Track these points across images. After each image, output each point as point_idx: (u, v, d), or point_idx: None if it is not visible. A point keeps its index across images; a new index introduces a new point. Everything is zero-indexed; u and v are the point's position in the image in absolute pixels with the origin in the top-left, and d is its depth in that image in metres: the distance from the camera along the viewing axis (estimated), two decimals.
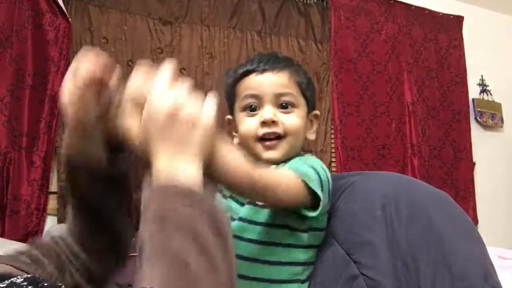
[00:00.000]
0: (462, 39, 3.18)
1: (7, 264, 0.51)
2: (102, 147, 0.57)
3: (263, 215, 0.69)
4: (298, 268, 0.69)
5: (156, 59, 2.30)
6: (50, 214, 2.02)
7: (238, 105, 0.75)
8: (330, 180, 0.69)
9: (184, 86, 0.52)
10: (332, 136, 2.69)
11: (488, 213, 3.07)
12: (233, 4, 2.53)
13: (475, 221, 2.97)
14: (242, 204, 0.71)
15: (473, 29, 3.23)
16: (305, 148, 2.57)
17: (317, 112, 0.81)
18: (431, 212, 0.67)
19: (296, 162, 0.70)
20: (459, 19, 3.19)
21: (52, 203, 2.03)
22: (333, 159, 2.69)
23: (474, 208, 3.03)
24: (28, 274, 0.50)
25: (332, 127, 2.69)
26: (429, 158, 2.91)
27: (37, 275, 0.53)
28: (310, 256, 0.71)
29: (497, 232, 2.92)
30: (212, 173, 0.53)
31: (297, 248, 0.69)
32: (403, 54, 2.92)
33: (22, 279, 0.44)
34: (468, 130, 3.13)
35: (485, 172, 3.17)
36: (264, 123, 0.71)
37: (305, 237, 0.70)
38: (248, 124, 0.73)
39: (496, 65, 3.35)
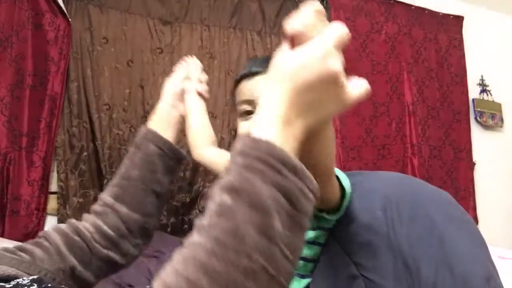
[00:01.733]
0: (462, 39, 3.18)
1: (13, 267, 0.52)
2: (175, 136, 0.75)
3: None
4: (301, 262, 0.69)
5: (156, 59, 2.30)
6: (50, 214, 2.02)
7: (237, 111, 0.79)
8: None
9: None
10: None
11: (488, 213, 3.07)
12: (233, 4, 2.53)
13: (475, 221, 2.97)
14: None
15: (473, 29, 3.23)
16: None
17: None
18: (432, 213, 0.66)
19: None
20: (459, 19, 3.19)
21: (52, 203, 2.03)
22: None
23: (474, 208, 3.03)
24: (32, 275, 0.51)
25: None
26: (429, 158, 2.92)
27: (42, 277, 0.54)
28: (312, 253, 0.71)
29: (497, 232, 2.92)
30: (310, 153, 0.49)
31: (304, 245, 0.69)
32: (403, 54, 2.92)
33: (28, 280, 0.44)
34: (468, 130, 3.13)
35: (485, 172, 3.18)
36: None
37: (311, 234, 0.70)
38: (244, 128, 0.76)
39: (496, 65, 3.35)
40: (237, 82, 0.79)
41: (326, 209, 0.65)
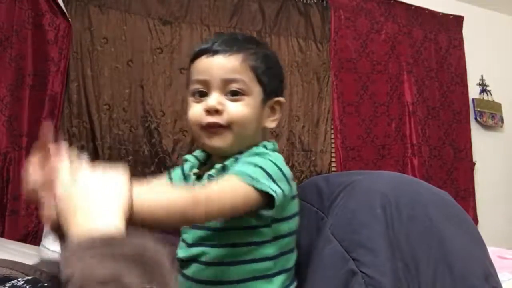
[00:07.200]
0: (462, 39, 3.18)
1: (7, 268, 0.52)
2: None
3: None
4: (268, 263, 0.68)
5: (156, 59, 2.30)
6: None
7: (189, 88, 0.72)
8: (284, 168, 0.66)
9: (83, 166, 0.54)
10: (332, 136, 2.69)
11: (488, 213, 3.07)
12: (233, 4, 2.53)
13: (475, 221, 2.97)
14: None
15: (473, 29, 3.23)
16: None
17: (280, 99, 0.75)
18: (431, 212, 0.67)
19: (244, 160, 0.67)
20: (459, 19, 3.19)
21: None
22: (333, 159, 2.69)
23: (474, 208, 3.03)
24: (28, 276, 0.51)
25: (332, 127, 2.69)
26: (429, 158, 2.91)
27: (37, 277, 0.54)
28: (278, 248, 0.69)
29: (497, 232, 2.92)
30: (142, 221, 0.51)
31: (263, 244, 0.67)
32: (403, 54, 2.92)
33: (23, 281, 0.44)
34: (468, 130, 3.13)
35: (485, 172, 3.17)
36: (208, 111, 0.67)
37: (269, 231, 0.68)
38: (194, 111, 0.69)
39: (496, 65, 3.35)
40: (195, 57, 0.70)
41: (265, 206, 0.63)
